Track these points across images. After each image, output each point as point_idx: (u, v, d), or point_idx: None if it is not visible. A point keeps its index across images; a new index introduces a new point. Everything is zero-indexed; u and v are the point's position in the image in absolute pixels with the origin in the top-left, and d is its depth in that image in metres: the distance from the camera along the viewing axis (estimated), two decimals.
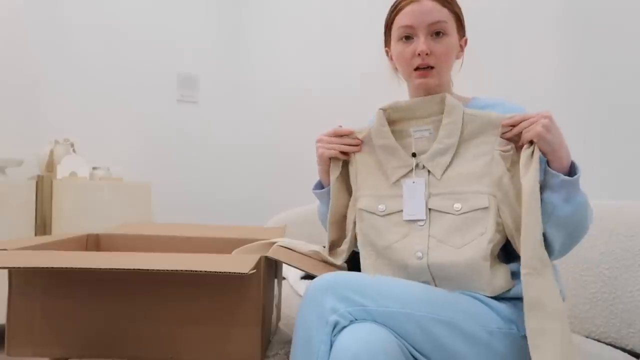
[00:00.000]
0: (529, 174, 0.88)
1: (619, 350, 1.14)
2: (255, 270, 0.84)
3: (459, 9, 1.06)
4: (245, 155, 3.17)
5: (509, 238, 0.95)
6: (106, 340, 0.93)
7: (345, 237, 1.10)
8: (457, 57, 1.09)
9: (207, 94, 3.16)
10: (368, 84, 2.55)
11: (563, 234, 0.92)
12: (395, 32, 1.06)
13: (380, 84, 2.44)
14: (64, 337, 0.93)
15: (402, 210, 0.99)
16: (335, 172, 1.09)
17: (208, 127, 3.15)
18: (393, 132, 1.04)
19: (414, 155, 1.01)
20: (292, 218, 2.05)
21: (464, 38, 1.09)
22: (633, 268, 1.19)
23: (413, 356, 0.82)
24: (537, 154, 0.89)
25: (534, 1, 1.85)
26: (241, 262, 0.86)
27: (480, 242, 0.91)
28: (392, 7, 1.08)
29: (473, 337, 0.84)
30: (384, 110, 1.05)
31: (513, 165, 0.94)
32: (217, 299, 0.92)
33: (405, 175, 1.01)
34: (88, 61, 2.77)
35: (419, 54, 1.01)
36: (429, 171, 0.99)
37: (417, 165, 1.00)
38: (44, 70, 2.64)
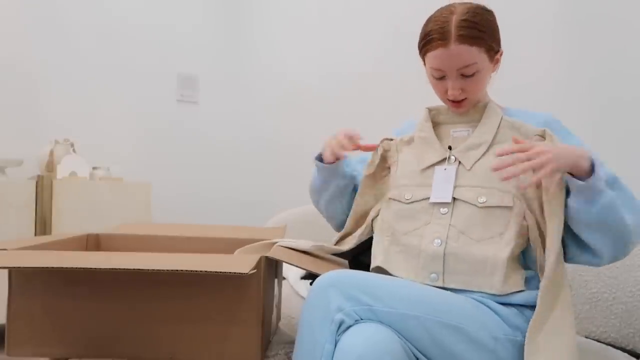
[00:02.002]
0: (554, 187, 0.90)
1: (619, 350, 1.14)
2: (255, 270, 0.84)
3: (490, 34, 1.00)
4: (245, 156, 3.17)
5: (532, 244, 0.95)
6: (106, 340, 0.93)
7: (356, 231, 1.13)
8: (493, 71, 1.06)
9: (207, 94, 3.16)
10: (368, 84, 2.55)
11: (600, 236, 0.90)
12: (427, 66, 1.05)
13: (380, 83, 2.45)
14: (64, 337, 0.93)
15: (427, 198, 1.02)
16: (370, 168, 1.14)
17: (208, 127, 3.15)
18: (435, 133, 1.09)
19: (449, 148, 1.05)
20: (292, 218, 2.05)
21: (500, 52, 1.05)
22: (633, 268, 1.19)
23: (417, 358, 0.81)
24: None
25: (533, 1, 1.85)
26: (241, 262, 0.86)
27: (499, 241, 0.93)
28: (422, 37, 1.04)
29: (478, 342, 0.84)
30: (429, 109, 1.11)
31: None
32: (217, 299, 0.92)
33: (437, 163, 1.05)
34: (88, 61, 2.77)
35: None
36: (459, 162, 1.02)
37: (449, 158, 1.04)
38: (44, 70, 2.64)
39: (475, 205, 0.96)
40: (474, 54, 0.98)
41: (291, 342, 1.08)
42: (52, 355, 0.95)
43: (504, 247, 0.92)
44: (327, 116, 2.76)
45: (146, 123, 2.95)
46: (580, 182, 0.86)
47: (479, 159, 1.01)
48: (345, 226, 1.15)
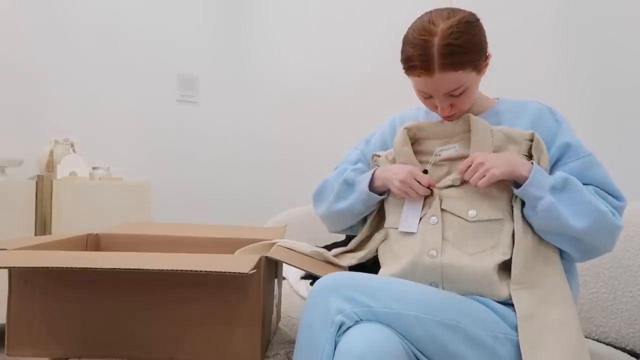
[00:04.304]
0: (518, 199, 0.96)
1: (619, 350, 1.14)
2: (255, 270, 0.84)
3: (477, 50, 0.96)
4: (245, 156, 3.17)
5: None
6: (106, 340, 0.93)
7: (358, 250, 1.12)
8: (482, 75, 1.03)
9: (207, 94, 3.16)
10: (368, 84, 2.55)
11: (559, 239, 0.94)
12: (412, 83, 1.02)
13: (380, 83, 2.44)
14: (63, 337, 0.93)
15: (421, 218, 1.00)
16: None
17: (208, 127, 3.15)
18: (418, 151, 1.05)
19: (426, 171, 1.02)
20: (292, 218, 2.05)
21: (488, 57, 1.01)
22: (633, 268, 1.19)
23: (417, 357, 0.82)
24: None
25: (533, 2, 1.85)
26: (241, 262, 0.86)
27: (492, 253, 0.93)
28: (403, 60, 0.99)
29: (477, 341, 0.84)
30: (407, 129, 1.06)
31: None
32: (218, 299, 0.92)
33: None
34: (88, 61, 2.77)
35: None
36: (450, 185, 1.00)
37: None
38: (44, 70, 2.64)
39: (466, 219, 0.95)
40: (460, 78, 0.95)
41: (291, 342, 1.08)
42: (51, 356, 0.95)
43: (498, 260, 0.92)
44: (327, 116, 2.76)
45: (146, 123, 2.95)
46: (517, 190, 0.93)
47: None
48: (351, 244, 1.14)
